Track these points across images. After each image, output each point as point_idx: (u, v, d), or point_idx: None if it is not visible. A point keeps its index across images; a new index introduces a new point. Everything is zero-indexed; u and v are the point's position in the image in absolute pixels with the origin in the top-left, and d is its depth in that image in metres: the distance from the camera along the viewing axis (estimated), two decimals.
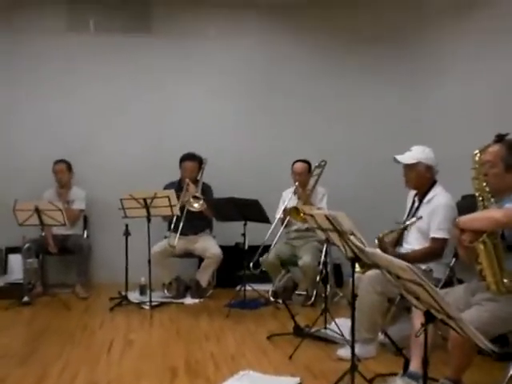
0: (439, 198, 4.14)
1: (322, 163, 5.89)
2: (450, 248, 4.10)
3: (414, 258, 3.66)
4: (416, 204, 4.29)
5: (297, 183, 5.96)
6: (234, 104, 7.05)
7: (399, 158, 4.12)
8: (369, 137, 7.06)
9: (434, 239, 4.10)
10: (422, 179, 4.20)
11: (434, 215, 4.10)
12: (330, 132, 7.01)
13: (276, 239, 5.66)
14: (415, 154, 4.16)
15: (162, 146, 6.87)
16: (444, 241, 4.07)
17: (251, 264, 5.52)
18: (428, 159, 4.20)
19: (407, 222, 4.13)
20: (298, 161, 6.06)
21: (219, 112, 7.04)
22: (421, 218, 4.05)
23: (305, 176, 6.01)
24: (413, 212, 4.27)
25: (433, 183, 4.24)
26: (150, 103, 6.90)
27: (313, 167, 6.04)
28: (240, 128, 7.08)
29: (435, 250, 4.06)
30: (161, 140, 6.90)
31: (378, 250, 2.49)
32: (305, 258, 5.66)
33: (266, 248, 5.80)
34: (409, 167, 4.16)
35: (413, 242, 4.20)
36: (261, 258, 5.65)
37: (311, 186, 5.93)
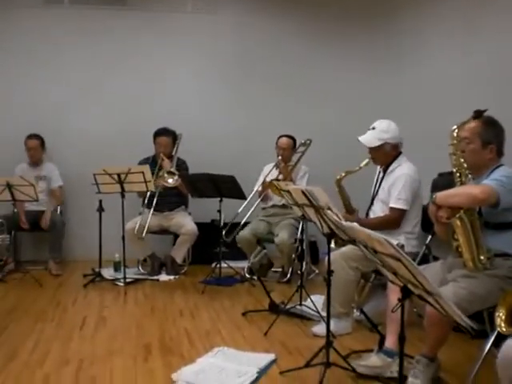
0: (401, 169, 4.15)
1: (308, 141, 5.88)
2: (417, 220, 4.13)
3: (369, 225, 3.50)
4: (381, 175, 4.32)
5: (279, 157, 5.93)
6: (210, 80, 6.98)
7: (363, 140, 4.12)
8: (344, 115, 7.04)
9: (392, 209, 4.15)
10: (389, 157, 4.22)
11: (394, 186, 4.13)
12: (308, 112, 6.98)
13: (251, 210, 5.66)
14: (379, 134, 4.13)
15: (136, 120, 6.73)
16: (402, 212, 4.11)
17: (223, 232, 5.53)
18: (393, 138, 4.19)
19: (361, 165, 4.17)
20: (283, 135, 6.02)
21: (196, 87, 6.95)
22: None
23: (288, 152, 5.98)
24: (378, 183, 4.31)
25: (397, 155, 4.25)
26: (125, 76, 6.78)
27: (298, 144, 6.02)
28: (217, 104, 6.99)
29: (391, 220, 4.10)
30: (136, 115, 6.76)
31: (356, 224, 2.43)
32: (281, 235, 5.61)
33: (243, 225, 5.78)
34: (374, 149, 4.17)
35: (378, 213, 4.23)
36: (237, 236, 5.69)
37: (293, 162, 5.92)
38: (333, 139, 6.78)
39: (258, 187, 5.87)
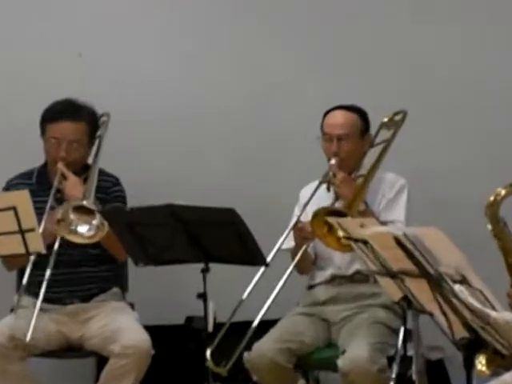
0: None
1: (399, 115, 3.64)
2: None
3: None
4: None
5: (333, 161, 3.57)
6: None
7: None
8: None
9: None
10: None
11: None
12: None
13: (276, 291, 3.38)
14: None
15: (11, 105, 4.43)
16: None
17: (209, 351, 3.34)
18: None
19: None
20: (337, 108, 3.68)
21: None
22: None
23: (352, 143, 3.63)
24: None
25: None
26: None
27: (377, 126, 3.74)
28: (191, 58, 4.54)
29: None
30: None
31: None
32: (354, 351, 3.31)
33: (265, 327, 3.47)
34: None
35: None
36: (245, 354, 3.37)
37: (366, 169, 3.64)
38: (456, 113, 4.36)
39: (284, 236, 3.52)
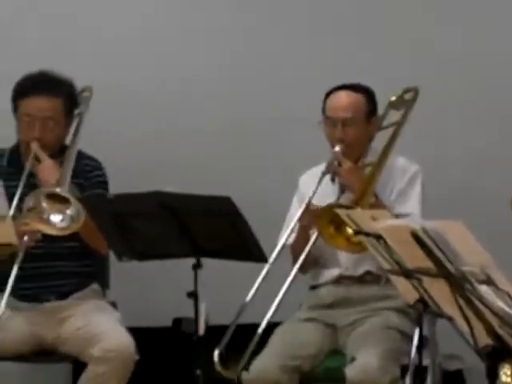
0: None
1: (409, 93, 3.39)
2: None
3: None
4: None
5: (337, 148, 3.29)
6: None
7: None
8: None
9: None
10: None
11: None
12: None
13: (282, 294, 3.15)
14: None
15: None
16: None
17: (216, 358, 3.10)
18: None
19: None
20: (340, 88, 3.42)
21: None
22: None
23: (358, 127, 3.39)
24: None
25: None
26: None
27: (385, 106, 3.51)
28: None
29: None
30: None
31: None
32: (364, 359, 3.07)
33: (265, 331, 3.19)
34: None
35: None
36: (244, 373, 3.15)
37: (375, 157, 3.39)
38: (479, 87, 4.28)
39: (289, 231, 3.29)
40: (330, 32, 4.24)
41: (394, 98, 3.28)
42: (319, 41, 4.20)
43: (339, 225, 2.91)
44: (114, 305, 3.55)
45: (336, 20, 4.24)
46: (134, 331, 3.37)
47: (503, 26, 4.18)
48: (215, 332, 3.03)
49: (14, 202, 3.17)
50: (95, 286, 3.51)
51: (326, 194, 3.20)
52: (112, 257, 3.40)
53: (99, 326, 3.32)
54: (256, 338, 3.07)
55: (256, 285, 3.05)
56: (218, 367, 2.97)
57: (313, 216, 3.17)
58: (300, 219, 3.21)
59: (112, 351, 3.19)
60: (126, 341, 3.24)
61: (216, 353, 2.99)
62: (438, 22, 4.32)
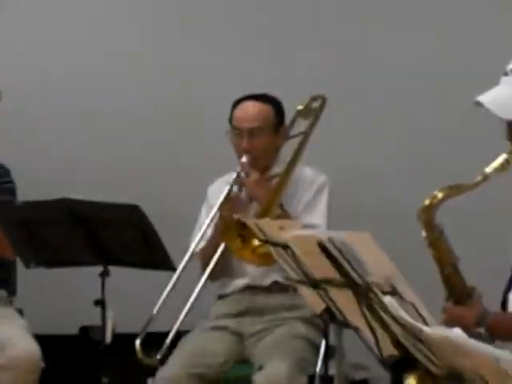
0: None
1: (316, 101, 3.38)
2: None
3: None
4: None
5: (244, 159, 3.27)
6: None
7: (491, 105, 2.30)
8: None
9: None
10: None
11: None
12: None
13: (190, 303, 3.08)
14: None
15: None
16: None
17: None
18: None
19: None
20: (247, 98, 3.38)
21: None
22: None
23: (264, 137, 3.33)
24: None
25: None
26: None
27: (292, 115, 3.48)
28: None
29: None
30: None
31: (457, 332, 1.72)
32: (272, 367, 2.99)
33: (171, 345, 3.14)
34: None
35: None
36: (149, 380, 3.27)
37: (282, 167, 3.34)
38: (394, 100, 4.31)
39: (197, 242, 3.23)
40: (240, 42, 4.23)
41: (301, 107, 3.27)
42: (227, 52, 4.21)
43: (246, 237, 2.89)
44: (20, 312, 3.48)
45: (245, 30, 4.25)
46: (41, 339, 3.31)
47: (414, 34, 4.19)
48: (122, 340, 2.98)
49: None
50: (2, 293, 3.42)
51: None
52: (19, 263, 3.33)
53: (5, 334, 3.22)
54: (162, 351, 3.05)
55: (164, 295, 3.02)
56: (140, 354, 2.96)
57: (222, 227, 3.13)
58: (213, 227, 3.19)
59: (17, 359, 3.13)
60: (31, 348, 3.18)
61: (137, 342, 2.96)
62: (350, 32, 4.28)
